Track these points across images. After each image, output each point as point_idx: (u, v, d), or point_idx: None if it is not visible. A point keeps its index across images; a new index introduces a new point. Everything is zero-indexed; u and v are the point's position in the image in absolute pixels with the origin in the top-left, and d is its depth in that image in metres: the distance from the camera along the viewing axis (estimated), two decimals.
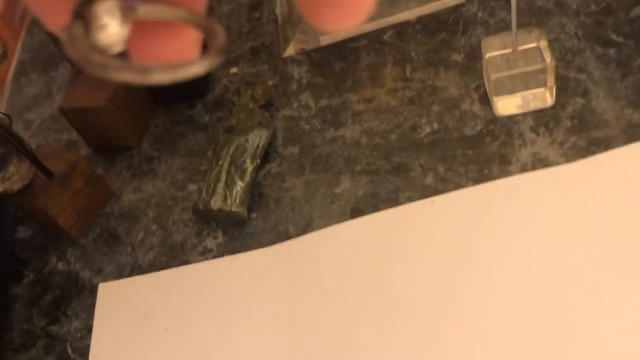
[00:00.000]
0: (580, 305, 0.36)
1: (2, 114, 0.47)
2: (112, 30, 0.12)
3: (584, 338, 0.34)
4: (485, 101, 0.47)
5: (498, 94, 0.45)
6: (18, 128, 0.62)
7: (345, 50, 0.55)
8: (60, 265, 0.50)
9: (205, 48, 0.14)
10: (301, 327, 0.40)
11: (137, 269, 0.48)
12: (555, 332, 0.35)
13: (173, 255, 0.48)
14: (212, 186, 0.48)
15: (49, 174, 0.49)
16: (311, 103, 0.53)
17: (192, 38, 0.14)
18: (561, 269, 0.37)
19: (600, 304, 0.35)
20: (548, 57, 0.43)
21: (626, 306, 0.35)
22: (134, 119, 0.55)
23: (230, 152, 0.49)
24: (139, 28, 0.13)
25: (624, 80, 0.44)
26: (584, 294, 0.36)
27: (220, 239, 0.47)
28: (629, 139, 0.41)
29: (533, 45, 0.44)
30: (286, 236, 0.45)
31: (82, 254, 0.50)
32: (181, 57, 0.14)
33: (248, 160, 0.48)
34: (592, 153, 0.41)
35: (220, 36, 0.13)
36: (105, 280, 0.48)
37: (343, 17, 0.13)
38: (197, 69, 0.13)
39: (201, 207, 0.47)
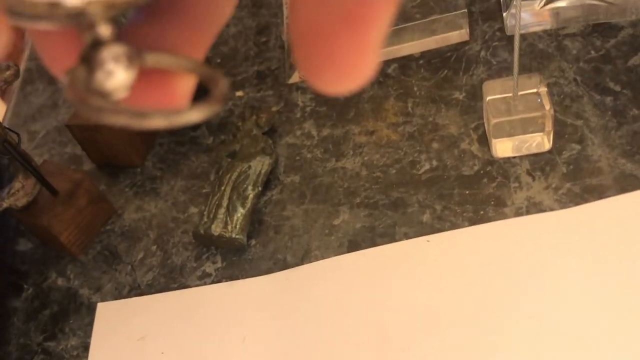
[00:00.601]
0: (573, 351, 0.37)
1: (11, 130, 0.48)
2: (117, 76, 0.12)
3: None
4: (484, 141, 0.48)
5: (497, 137, 0.46)
6: (22, 139, 0.63)
7: None
8: (60, 281, 0.51)
9: (196, 96, 0.14)
10: (295, 356, 0.41)
11: (136, 289, 0.49)
12: None
13: (172, 277, 0.49)
14: (213, 211, 0.49)
15: (53, 191, 0.49)
16: (314, 132, 0.54)
17: (185, 86, 0.14)
18: (552, 312, 0.38)
19: (592, 349, 0.37)
20: (547, 104, 0.44)
21: (620, 354, 0.36)
22: (140, 137, 0.56)
23: (233, 178, 0.50)
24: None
25: (619, 129, 0.46)
26: (576, 339, 0.37)
27: (219, 264, 0.48)
28: (621, 189, 0.42)
29: (533, 90, 0.45)
30: (284, 265, 0.46)
31: (82, 270, 0.51)
32: (171, 104, 0.14)
33: (250, 187, 0.49)
34: (586, 200, 0.43)
35: (222, 85, 0.13)
36: (103, 298, 0.49)
37: (345, 81, 0.13)
38: (196, 115, 0.13)
39: (202, 231, 0.48)
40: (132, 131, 0.55)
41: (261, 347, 0.42)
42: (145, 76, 0.13)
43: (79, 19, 0.12)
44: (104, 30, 0.12)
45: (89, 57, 0.12)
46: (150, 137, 0.57)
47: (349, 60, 0.13)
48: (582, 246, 0.40)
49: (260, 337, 0.43)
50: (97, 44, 0.12)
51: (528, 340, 0.38)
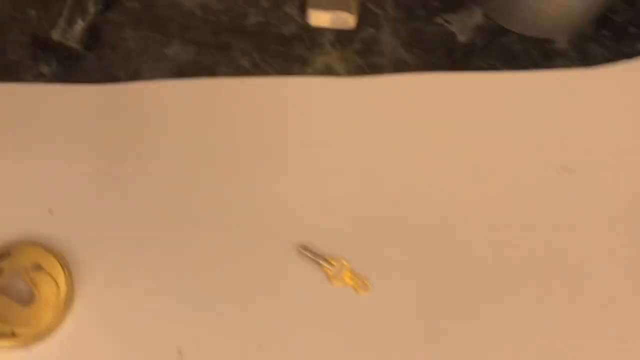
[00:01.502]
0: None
1: None
2: None
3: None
4: (304, 10, 0.58)
5: (314, 7, 0.56)
6: None
7: None
8: None
9: None
10: (115, 169, 0.50)
11: None
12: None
13: (7, 72, 0.53)
14: (55, 18, 0.53)
15: None
16: None
17: None
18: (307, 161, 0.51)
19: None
20: None
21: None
22: None
23: None
24: None
25: (406, 24, 0.58)
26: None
27: (54, 68, 0.53)
28: (395, 70, 0.55)
29: None
30: (115, 80, 0.53)
31: None
32: None
33: (91, 2, 0.54)
34: (367, 74, 0.55)
35: None
36: None
37: None
38: None
39: (42, 35, 0.52)
40: None
41: (85, 156, 0.50)
42: None
43: None
44: None
45: None
46: None
47: None
48: (358, 112, 0.53)
49: (85, 146, 0.50)
50: None
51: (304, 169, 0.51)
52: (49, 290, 0.44)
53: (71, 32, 0.53)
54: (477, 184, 0.50)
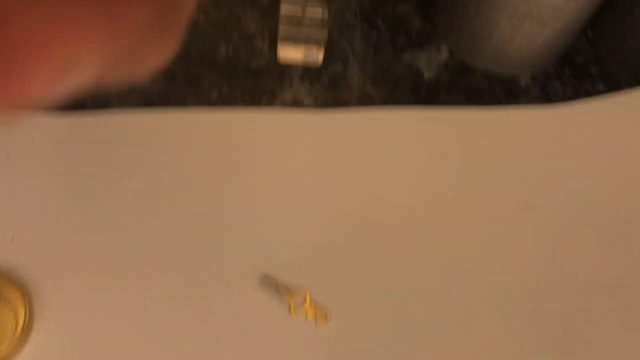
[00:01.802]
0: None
1: None
2: None
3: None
4: (274, 45, 0.59)
5: (283, 43, 0.57)
6: None
7: None
8: None
9: None
10: (81, 191, 0.50)
11: None
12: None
13: None
14: None
15: None
16: None
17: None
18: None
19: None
20: (326, 26, 0.56)
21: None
22: None
23: None
24: None
25: (373, 60, 0.59)
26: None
27: None
28: (359, 104, 0.56)
29: (319, 13, 0.57)
30: (83, 108, 0.54)
31: None
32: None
33: None
34: (334, 107, 0.56)
35: None
36: None
37: None
38: None
39: None
40: None
41: (49, 185, 0.50)
42: None
43: None
44: None
45: None
46: None
47: None
48: (323, 146, 0.54)
49: (49, 175, 0.51)
50: None
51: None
52: (8, 319, 0.44)
53: None
54: (440, 218, 0.51)
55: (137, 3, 0.11)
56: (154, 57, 0.12)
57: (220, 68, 0.57)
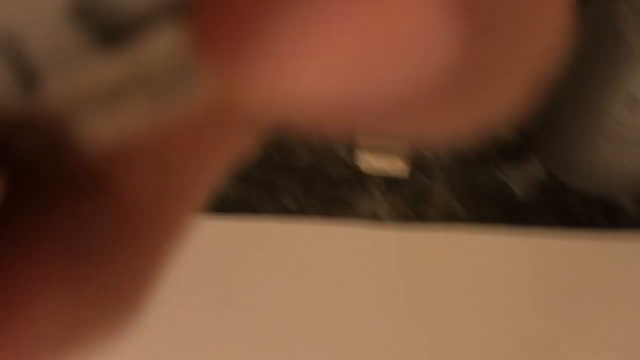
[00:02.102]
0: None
1: None
2: None
3: None
4: (356, 152, 0.57)
5: (366, 152, 0.55)
6: None
7: None
8: None
9: None
10: None
11: None
12: None
13: None
14: None
15: None
16: None
17: None
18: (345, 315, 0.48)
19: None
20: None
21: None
22: None
23: None
24: None
25: (462, 174, 0.56)
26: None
27: None
28: (444, 221, 0.53)
29: None
30: None
31: None
32: None
33: None
34: (415, 222, 0.52)
35: None
36: None
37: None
38: None
39: None
40: None
41: None
42: None
43: None
44: None
45: None
46: None
47: None
48: (402, 265, 0.50)
49: None
50: None
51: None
52: None
53: None
54: (518, 353, 0.45)
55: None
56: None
57: (298, 173, 0.55)
